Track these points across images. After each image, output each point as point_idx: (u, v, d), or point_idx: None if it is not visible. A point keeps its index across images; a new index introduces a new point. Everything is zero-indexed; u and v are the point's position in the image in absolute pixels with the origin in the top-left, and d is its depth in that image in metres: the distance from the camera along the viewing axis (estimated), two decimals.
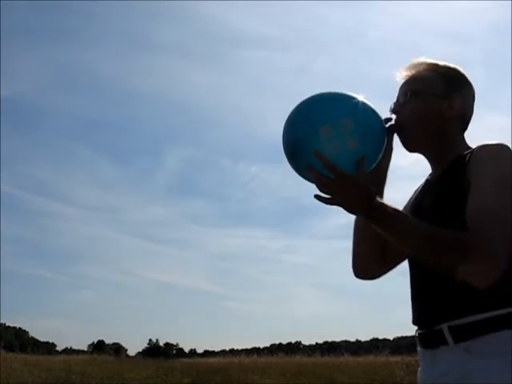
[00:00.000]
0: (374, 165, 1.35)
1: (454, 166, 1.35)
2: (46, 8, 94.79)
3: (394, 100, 1.47)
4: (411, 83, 1.43)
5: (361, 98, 1.34)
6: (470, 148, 1.38)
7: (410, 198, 1.54)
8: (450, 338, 1.27)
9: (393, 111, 1.44)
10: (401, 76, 1.47)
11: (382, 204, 1.25)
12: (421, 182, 1.52)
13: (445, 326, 1.28)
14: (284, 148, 1.40)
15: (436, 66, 1.44)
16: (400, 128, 1.41)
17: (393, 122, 1.42)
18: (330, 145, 1.28)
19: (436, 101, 1.40)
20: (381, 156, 1.35)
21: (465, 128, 1.44)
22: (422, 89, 1.41)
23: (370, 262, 1.53)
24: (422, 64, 1.45)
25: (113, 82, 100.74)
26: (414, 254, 1.36)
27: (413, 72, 1.45)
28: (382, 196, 1.44)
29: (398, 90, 1.47)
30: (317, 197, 1.27)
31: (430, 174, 1.48)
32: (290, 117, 1.39)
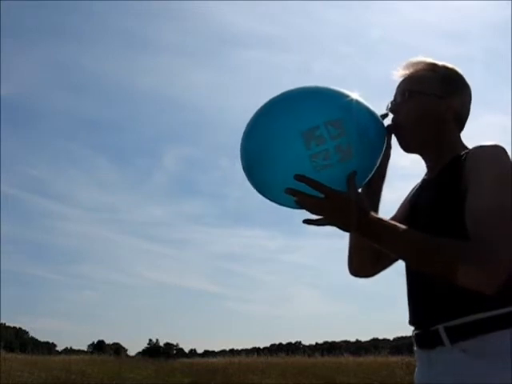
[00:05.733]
0: (373, 172, 1.28)
1: (451, 167, 1.34)
2: (45, 8, 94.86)
3: (391, 99, 1.45)
4: (409, 82, 1.41)
5: (355, 95, 1.21)
6: (466, 148, 1.38)
7: (407, 197, 1.54)
8: (446, 339, 1.26)
9: (390, 110, 1.42)
10: (398, 74, 1.45)
11: (376, 219, 1.21)
12: (419, 180, 1.51)
13: (441, 327, 1.27)
14: (246, 162, 1.11)
15: (434, 65, 1.43)
16: (397, 128, 1.39)
17: (390, 120, 1.40)
18: (316, 156, 1.07)
19: (434, 101, 1.38)
20: (379, 162, 1.28)
21: (461, 128, 1.44)
22: (420, 89, 1.39)
23: (364, 262, 1.53)
24: (420, 63, 1.43)
25: (112, 82, 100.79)
26: (411, 266, 1.35)
27: (411, 71, 1.43)
28: (379, 199, 1.44)
29: (395, 88, 1.45)
30: (307, 221, 1.22)
31: (426, 174, 1.46)
32: (259, 118, 1.09)
